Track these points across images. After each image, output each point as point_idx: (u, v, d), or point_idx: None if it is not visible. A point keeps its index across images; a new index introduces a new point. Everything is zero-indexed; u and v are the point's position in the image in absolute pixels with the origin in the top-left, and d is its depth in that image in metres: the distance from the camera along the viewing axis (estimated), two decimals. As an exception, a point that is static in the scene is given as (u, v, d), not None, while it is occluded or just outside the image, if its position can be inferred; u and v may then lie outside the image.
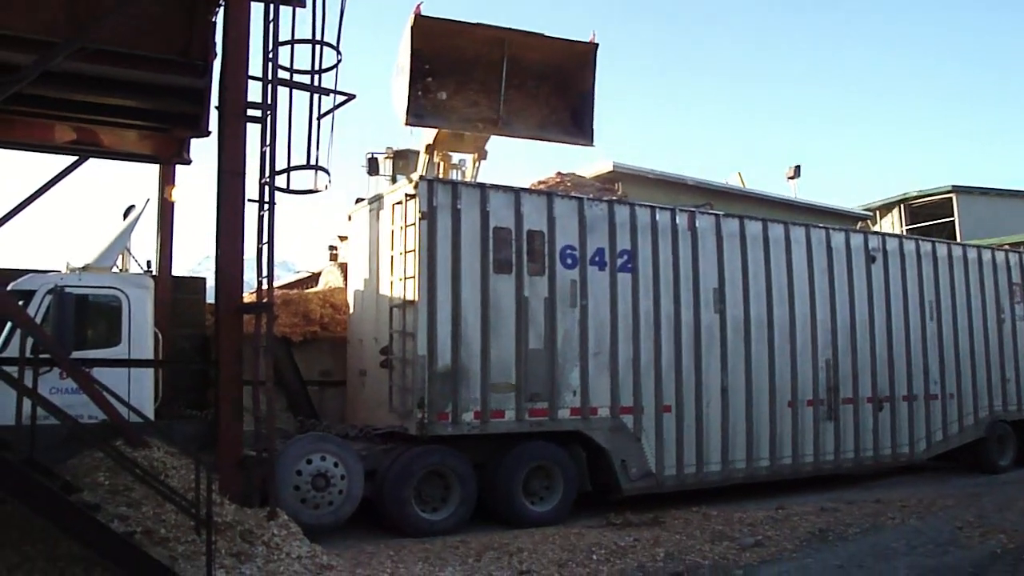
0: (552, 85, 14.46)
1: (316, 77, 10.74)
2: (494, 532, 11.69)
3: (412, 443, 12.24)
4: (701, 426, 14.02)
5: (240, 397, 9.90)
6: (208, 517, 7.88)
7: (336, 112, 11.19)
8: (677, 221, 14.23)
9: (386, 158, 13.93)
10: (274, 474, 10.02)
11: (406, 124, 13.50)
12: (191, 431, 10.13)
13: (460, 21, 13.58)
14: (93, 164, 13.81)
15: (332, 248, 16.88)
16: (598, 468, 13.42)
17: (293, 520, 11.01)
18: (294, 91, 10.71)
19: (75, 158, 13.51)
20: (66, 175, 13.65)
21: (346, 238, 16.41)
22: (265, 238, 9.91)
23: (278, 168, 10.33)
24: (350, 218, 14.83)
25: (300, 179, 10.89)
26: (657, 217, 14.09)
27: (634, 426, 13.48)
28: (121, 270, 12.81)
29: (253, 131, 10.32)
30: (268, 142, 10.03)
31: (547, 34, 14.01)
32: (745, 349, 14.55)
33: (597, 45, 14.35)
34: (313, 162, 10.67)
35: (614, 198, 14.40)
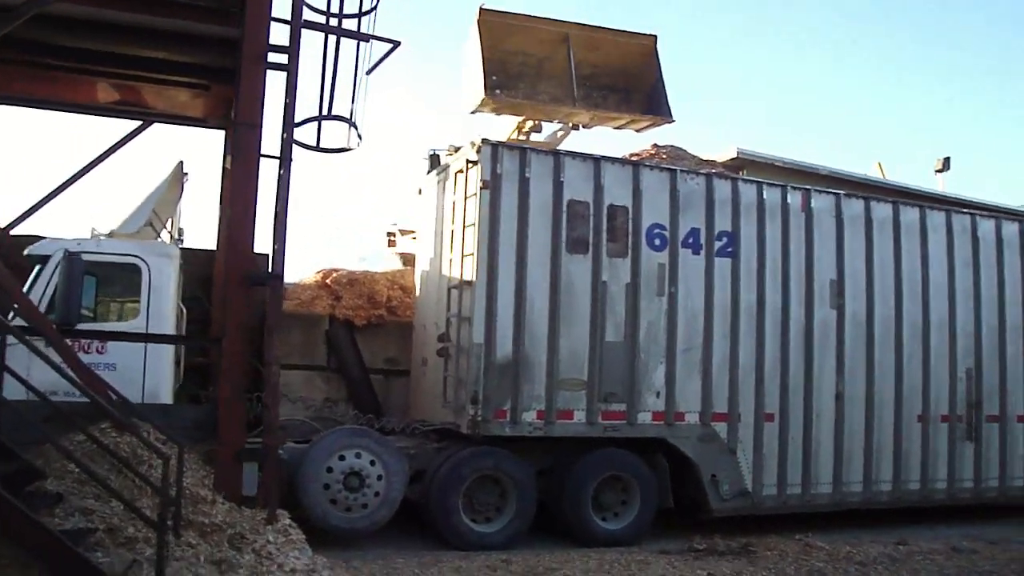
0: (620, 75, 13.74)
1: (350, 20, 9.35)
2: (551, 551, 10.12)
3: (467, 443, 10.80)
4: (809, 439, 12.03)
5: (241, 380, 8.61)
6: (161, 516, 6.60)
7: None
8: (788, 200, 12.26)
9: (448, 154, 12.70)
10: (276, 470, 8.70)
11: (485, 96, 12.31)
12: (194, 416, 8.92)
13: (523, 15, 13.29)
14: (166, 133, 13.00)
15: (390, 235, 15.75)
16: (684, 483, 11.65)
17: (322, 523, 9.95)
18: (330, 37, 9.33)
19: (138, 123, 12.78)
20: (127, 141, 12.88)
21: (403, 231, 15.97)
22: (281, 200, 8.59)
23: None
24: (420, 191, 13.48)
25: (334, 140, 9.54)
26: (765, 195, 12.17)
27: (728, 436, 11.64)
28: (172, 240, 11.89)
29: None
30: (290, 91, 8.71)
31: (608, 27, 13.61)
32: (867, 352, 12.45)
33: (655, 37, 13.61)
34: (343, 115, 9.27)
35: (713, 171, 12.51)
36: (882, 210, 12.79)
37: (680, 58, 47.09)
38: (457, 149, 12.21)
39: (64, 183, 13.07)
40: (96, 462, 7.76)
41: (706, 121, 45.64)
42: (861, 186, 21.15)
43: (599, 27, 13.69)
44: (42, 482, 7.44)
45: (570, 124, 13.28)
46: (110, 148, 12.98)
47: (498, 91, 12.65)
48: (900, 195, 20.40)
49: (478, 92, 12.37)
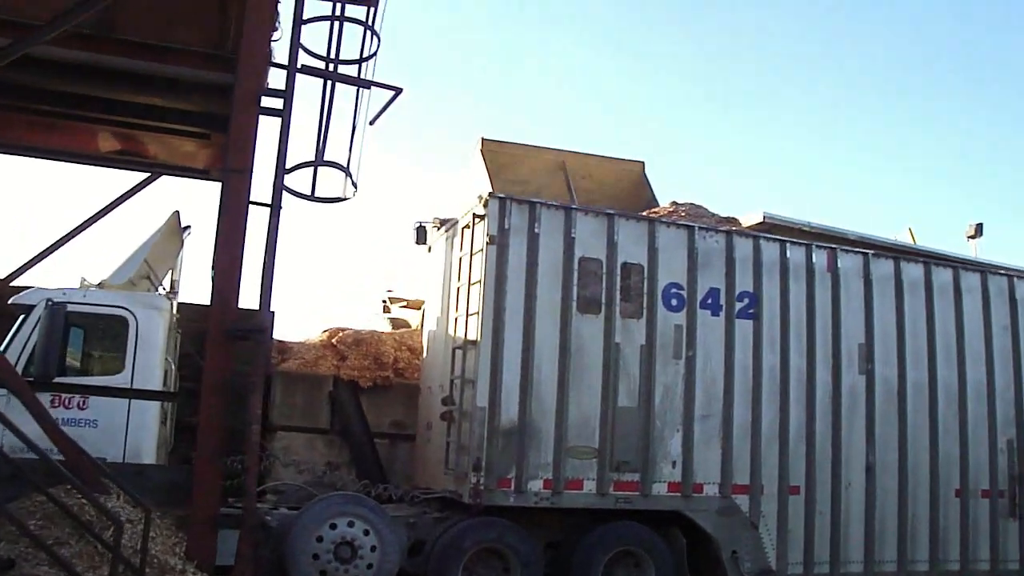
0: (615, 199, 14.54)
1: (350, 66, 9.03)
2: (556, 632, 9.37)
3: (469, 513, 10.15)
4: (838, 514, 11.24)
5: (218, 441, 8.07)
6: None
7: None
8: (814, 259, 11.68)
9: (433, 227, 12.53)
10: (253, 539, 8.11)
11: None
12: (169, 478, 8.39)
13: (521, 144, 14.30)
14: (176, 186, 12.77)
15: (384, 302, 15.64)
16: (702, 559, 10.86)
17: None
18: (330, 83, 8.99)
19: (143, 175, 12.53)
20: (134, 193, 12.63)
21: (394, 299, 16.23)
22: (270, 249, 8.15)
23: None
24: (430, 249, 13.04)
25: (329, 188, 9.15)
26: (788, 254, 11.60)
27: (750, 509, 10.88)
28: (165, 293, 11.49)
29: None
30: (283, 136, 8.34)
31: (599, 155, 14.88)
32: (899, 420, 11.69)
33: (643, 163, 14.81)
34: (339, 163, 8.87)
35: (734, 228, 11.96)
36: (913, 271, 12.15)
37: (704, 125, 47.00)
38: (443, 222, 11.92)
39: (68, 234, 12.83)
40: (58, 524, 7.28)
41: (731, 190, 45.30)
42: (892, 251, 20.49)
43: (591, 154, 14.70)
44: (-5, 546, 6.94)
45: None
46: (116, 199, 12.76)
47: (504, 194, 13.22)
48: (932, 260, 19.71)
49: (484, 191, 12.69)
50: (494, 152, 13.69)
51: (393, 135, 42.03)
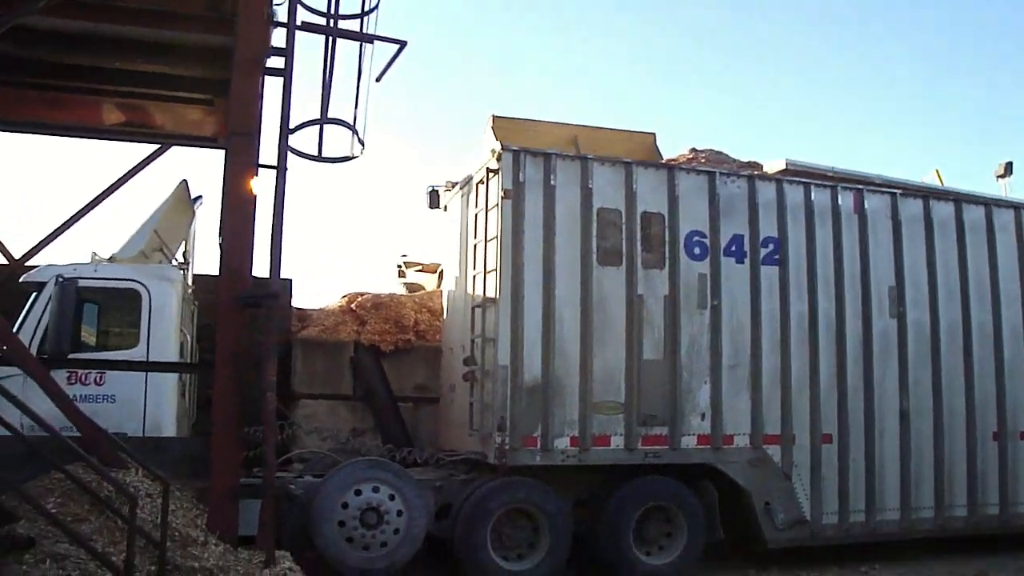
0: None
1: (351, 21, 8.72)
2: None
3: (496, 474, 9.99)
4: (872, 461, 10.99)
5: (234, 411, 7.91)
6: (128, 561, 5.92)
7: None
8: (840, 201, 11.33)
9: (445, 189, 12.33)
10: (274, 508, 7.97)
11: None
12: (187, 450, 8.26)
13: (532, 120, 13.87)
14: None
15: (399, 267, 15.49)
16: (735, 512, 10.67)
17: (338, 563, 9.19)
18: (331, 40, 8.69)
19: (152, 147, 12.32)
20: (145, 165, 12.42)
21: (409, 263, 15.99)
22: (277, 212, 7.93)
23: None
24: (446, 208, 12.80)
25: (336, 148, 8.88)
26: (813, 196, 11.26)
27: (782, 460, 10.66)
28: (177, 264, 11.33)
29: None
30: (286, 96, 8.09)
31: (610, 128, 14.38)
32: (932, 364, 11.40)
33: (654, 135, 14.16)
34: (345, 120, 8.59)
35: (756, 173, 11.62)
36: (943, 209, 11.77)
37: (722, 72, 46.07)
38: (454, 185, 11.64)
39: (81, 210, 12.66)
40: (77, 501, 7.17)
41: (752, 139, 44.58)
42: (920, 191, 19.99)
43: (602, 128, 14.20)
44: (13, 525, 6.83)
45: None
46: (127, 172, 12.55)
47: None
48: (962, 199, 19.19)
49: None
50: (505, 128, 13.46)
51: (396, 121, 41.31)
